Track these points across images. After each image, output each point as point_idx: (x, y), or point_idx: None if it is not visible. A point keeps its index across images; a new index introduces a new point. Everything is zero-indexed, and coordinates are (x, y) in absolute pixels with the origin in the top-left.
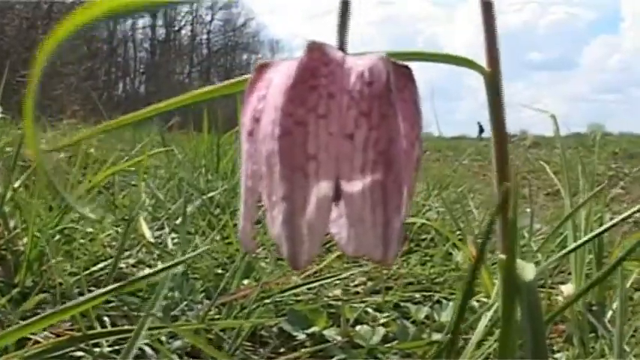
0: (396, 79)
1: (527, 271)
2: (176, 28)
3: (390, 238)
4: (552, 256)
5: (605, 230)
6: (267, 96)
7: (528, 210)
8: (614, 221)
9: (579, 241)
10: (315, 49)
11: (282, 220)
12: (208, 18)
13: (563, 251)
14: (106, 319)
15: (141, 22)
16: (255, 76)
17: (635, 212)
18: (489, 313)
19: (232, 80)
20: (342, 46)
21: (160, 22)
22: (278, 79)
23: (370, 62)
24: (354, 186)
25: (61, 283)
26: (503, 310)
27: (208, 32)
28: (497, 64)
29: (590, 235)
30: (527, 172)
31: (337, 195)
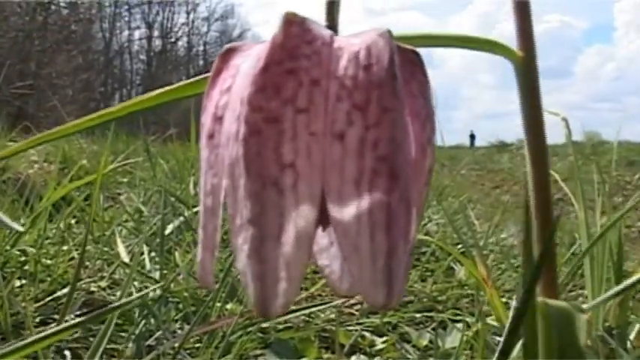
0: (401, 67)
1: (579, 326)
2: (172, 40)
3: (395, 274)
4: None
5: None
6: (233, 87)
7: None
8: None
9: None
10: (293, 22)
11: (249, 251)
12: (204, 29)
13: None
14: (67, 352)
15: (137, 34)
16: (219, 65)
17: None
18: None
19: (197, 77)
20: (331, 26)
21: (156, 33)
22: (247, 65)
23: (368, 40)
24: (347, 205)
25: (18, 312)
26: None
27: (204, 43)
28: (531, 47)
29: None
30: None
31: (324, 217)
